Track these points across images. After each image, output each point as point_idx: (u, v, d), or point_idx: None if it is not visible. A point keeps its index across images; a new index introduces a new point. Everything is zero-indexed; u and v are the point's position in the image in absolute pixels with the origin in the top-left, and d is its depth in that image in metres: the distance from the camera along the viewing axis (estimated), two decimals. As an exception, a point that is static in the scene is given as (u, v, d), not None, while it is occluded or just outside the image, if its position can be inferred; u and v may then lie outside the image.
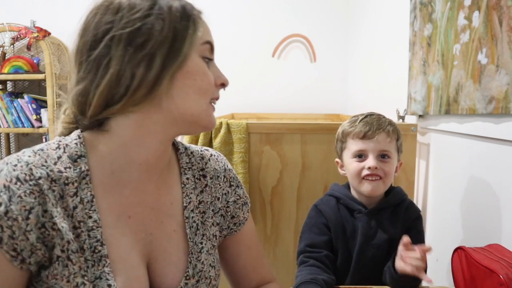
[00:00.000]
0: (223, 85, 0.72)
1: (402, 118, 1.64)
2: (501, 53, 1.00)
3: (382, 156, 1.07)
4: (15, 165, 0.60)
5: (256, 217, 1.58)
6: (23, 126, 2.70)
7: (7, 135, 2.95)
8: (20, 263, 0.58)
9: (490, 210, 1.11)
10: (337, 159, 1.17)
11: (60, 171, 0.62)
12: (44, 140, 2.80)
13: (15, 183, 0.58)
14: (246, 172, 1.54)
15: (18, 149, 2.98)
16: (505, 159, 1.04)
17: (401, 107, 1.67)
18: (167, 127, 0.67)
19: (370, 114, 1.11)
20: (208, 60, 0.69)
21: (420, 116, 1.55)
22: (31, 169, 0.60)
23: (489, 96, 1.06)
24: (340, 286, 1.01)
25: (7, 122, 2.70)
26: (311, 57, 2.87)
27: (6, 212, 0.57)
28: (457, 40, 1.21)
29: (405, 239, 0.90)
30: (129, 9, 0.62)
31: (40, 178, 0.60)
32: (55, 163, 0.62)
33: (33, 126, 2.69)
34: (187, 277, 0.71)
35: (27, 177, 0.59)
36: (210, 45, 0.69)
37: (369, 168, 1.05)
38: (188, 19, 0.65)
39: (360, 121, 1.09)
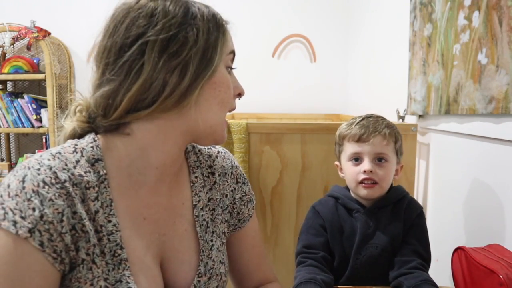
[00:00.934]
0: (240, 95, 0.73)
1: (402, 118, 1.64)
2: (501, 53, 1.00)
3: (379, 159, 1.05)
4: (38, 169, 0.59)
5: (256, 217, 1.58)
6: (23, 126, 2.70)
7: (7, 135, 2.95)
8: (59, 264, 0.59)
9: (490, 210, 1.11)
10: (336, 162, 1.16)
11: (80, 175, 0.62)
12: (44, 140, 2.79)
13: (43, 187, 0.58)
14: (246, 172, 1.54)
15: (18, 149, 2.98)
16: (505, 159, 1.04)
17: (401, 107, 1.67)
18: (186, 134, 0.68)
19: (368, 117, 1.09)
20: (230, 69, 0.70)
21: (420, 116, 1.55)
22: (55, 172, 0.60)
23: (489, 96, 1.06)
24: (340, 287, 1.01)
25: (7, 122, 2.70)
26: (311, 57, 2.87)
27: (41, 216, 0.57)
28: (457, 40, 1.21)
29: None
30: (163, 15, 0.62)
31: (65, 181, 0.60)
32: (74, 167, 0.62)
33: (33, 126, 2.69)
34: (199, 275, 0.72)
35: (53, 181, 0.59)
36: (233, 54, 0.70)
37: (364, 172, 1.03)
38: (219, 30, 0.66)
39: (357, 123, 1.07)
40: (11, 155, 2.98)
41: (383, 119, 1.10)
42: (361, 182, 1.04)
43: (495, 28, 1.02)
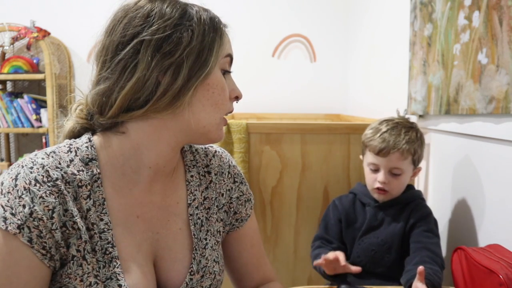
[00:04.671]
0: (237, 98, 0.73)
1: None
2: (501, 53, 1.00)
3: (394, 173, 1.14)
4: (31, 168, 0.61)
5: (256, 217, 1.57)
6: (23, 126, 2.69)
7: (7, 135, 2.95)
8: (49, 261, 0.60)
9: (490, 210, 1.11)
10: (360, 156, 1.27)
11: (73, 174, 0.64)
12: (44, 140, 2.79)
13: (35, 185, 0.60)
14: (246, 172, 1.54)
15: (18, 149, 2.98)
16: (505, 159, 1.04)
17: (401, 107, 1.66)
18: (179, 135, 0.68)
19: (393, 126, 1.16)
20: (226, 72, 0.70)
21: (420, 116, 1.55)
22: (47, 170, 0.61)
23: (489, 96, 1.06)
24: (343, 286, 1.02)
25: (6, 122, 2.69)
26: (311, 57, 2.87)
27: (31, 213, 0.58)
28: (457, 40, 1.21)
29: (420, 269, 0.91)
30: (160, 16, 0.63)
31: (57, 179, 0.61)
32: (68, 166, 0.64)
33: (33, 126, 2.69)
34: (192, 273, 0.72)
35: (45, 179, 0.61)
36: (230, 58, 0.71)
37: (379, 182, 1.14)
38: (215, 32, 0.67)
39: (380, 135, 1.15)
40: (11, 155, 2.97)
41: (407, 130, 1.16)
42: (376, 188, 1.16)
43: (495, 28, 1.02)
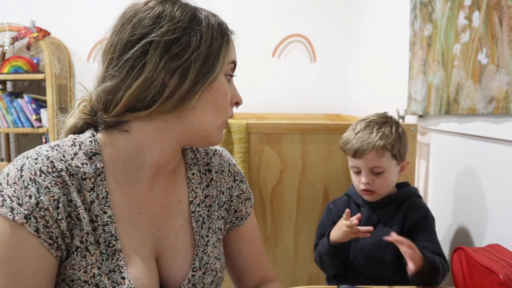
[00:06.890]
0: (237, 103, 0.75)
1: (402, 118, 1.64)
2: (501, 53, 1.00)
3: (375, 171, 1.13)
4: (36, 159, 0.62)
5: (256, 217, 1.57)
6: (23, 126, 2.69)
7: (7, 135, 2.95)
8: (55, 250, 0.61)
9: (490, 210, 1.11)
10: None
11: (77, 166, 0.65)
12: (44, 140, 2.79)
13: (40, 175, 0.61)
14: (246, 172, 1.54)
15: (18, 149, 2.98)
16: (505, 159, 1.04)
17: (401, 107, 1.67)
18: (182, 136, 0.69)
19: (366, 126, 1.15)
20: (229, 77, 0.72)
21: (420, 116, 1.55)
22: (52, 162, 0.62)
23: (489, 96, 1.06)
24: (342, 286, 1.02)
25: (6, 122, 2.69)
26: (311, 57, 2.87)
27: (37, 203, 0.59)
28: (457, 40, 1.21)
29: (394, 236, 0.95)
30: (170, 19, 0.64)
31: (61, 170, 0.62)
32: (72, 159, 0.65)
33: (33, 126, 2.69)
34: (194, 269, 0.73)
35: (50, 169, 0.62)
36: (234, 64, 0.72)
37: (362, 183, 1.14)
38: (223, 39, 0.68)
39: (354, 137, 1.14)
40: (11, 155, 2.97)
41: (380, 126, 1.14)
42: (361, 189, 1.16)
43: (496, 28, 1.02)
